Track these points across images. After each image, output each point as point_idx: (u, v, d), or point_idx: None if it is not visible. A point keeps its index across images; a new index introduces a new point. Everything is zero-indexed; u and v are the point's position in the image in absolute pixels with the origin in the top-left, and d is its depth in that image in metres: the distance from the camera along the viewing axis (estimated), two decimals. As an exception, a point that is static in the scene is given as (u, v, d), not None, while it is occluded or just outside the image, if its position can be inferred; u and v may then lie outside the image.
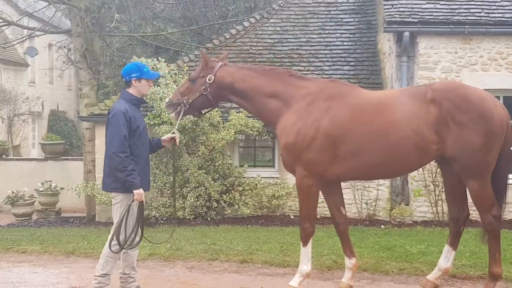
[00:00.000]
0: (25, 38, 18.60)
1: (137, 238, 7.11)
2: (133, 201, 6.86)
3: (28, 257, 9.97)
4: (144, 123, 7.24)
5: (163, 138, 7.55)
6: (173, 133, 7.54)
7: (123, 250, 6.95)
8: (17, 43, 19.53)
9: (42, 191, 16.69)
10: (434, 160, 7.56)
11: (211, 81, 7.59)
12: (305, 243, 7.51)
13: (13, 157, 22.06)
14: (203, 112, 8.15)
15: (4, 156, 19.80)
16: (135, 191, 6.80)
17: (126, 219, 6.83)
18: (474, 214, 11.80)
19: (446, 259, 7.69)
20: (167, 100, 7.96)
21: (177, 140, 7.51)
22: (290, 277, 8.21)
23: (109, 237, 6.97)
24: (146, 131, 7.28)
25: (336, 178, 7.53)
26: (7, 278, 8.57)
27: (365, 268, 8.70)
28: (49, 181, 16.85)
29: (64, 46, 18.93)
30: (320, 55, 15.46)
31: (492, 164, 7.09)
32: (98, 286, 6.96)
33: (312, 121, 7.24)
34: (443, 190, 8.12)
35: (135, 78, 7.10)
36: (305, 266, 7.52)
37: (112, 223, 7.29)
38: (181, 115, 7.65)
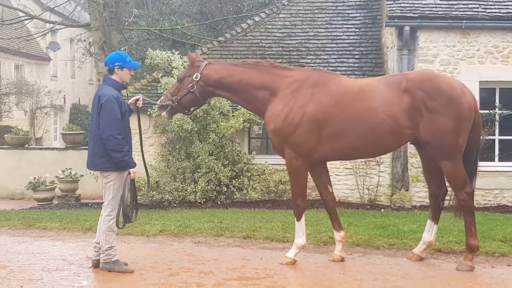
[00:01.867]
0: (46, 31, 19.34)
1: (135, 213, 7.93)
2: (130, 179, 7.59)
3: (48, 233, 10.75)
4: (128, 108, 7.84)
5: (130, 102, 8.06)
6: (138, 95, 8.20)
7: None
8: (39, 36, 20.26)
9: (62, 178, 17.36)
10: (410, 142, 8.28)
11: (197, 79, 8.25)
12: (298, 218, 8.28)
13: (35, 147, 22.83)
14: (191, 110, 8.77)
15: (26, 146, 20.55)
16: (131, 170, 7.58)
17: (123, 196, 7.55)
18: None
19: (429, 233, 8.40)
20: (158, 102, 8.64)
21: (140, 101, 8.06)
22: (288, 251, 8.97)
23: (104, 214, 7.68)
24: (129, 114, 7.90)
25: (321, 159, 8.26)
26: (29, 249, 9.33)
27: (358, 243, 9.39)
28: (69, 168, 17.53)
29: (84, 40, 19.69)
30: (326, 49, 16.05)
31: (462, 145, 7.80)
32: (107, 258, 7.71)
33: (298, 107, 7.92)
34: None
35: (117, 67, 7.76)
36: (300, 239, 8.26)
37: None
38: (169, 112, 8.40)
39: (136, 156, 8.23)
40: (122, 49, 18.00)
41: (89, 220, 11.64)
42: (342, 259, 8.40)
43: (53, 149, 21.29)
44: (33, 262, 8.46)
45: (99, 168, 7.78)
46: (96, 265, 7.93)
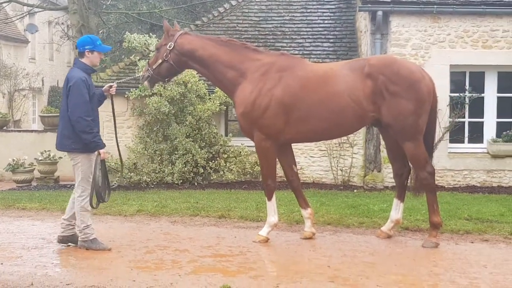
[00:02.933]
0: (25, 14, 19.39)
1: (107, 192, 8.17)
2: (100, 160, 7.80)
3: (28, 213, 10.95)
4: (95, 90, 8.04)
5: (104, 88, 8.30)
6: (113, 82, 8.48)
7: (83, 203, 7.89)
8: (17, 19, 20.30)
9: (41, 160, 17.41)
10: (372, 124, 8.67)
11: (171, 48, 8.41)
12: (270, 198, 8.58)
13: (14, 129, 22.84)
14: (169, 79, 8.97)
15: (5, 128, 20.57)
16: (101, 151, 7.78)
17: (95, 176, 7.78)
18: (440, 180, 12.99)
19: (396, 211, 8.73)
20: (140, 73, 8.96)
21: (114, 89, 8.30)
22: (261, 230, 9.28)
23: (76, 195, 7.91)
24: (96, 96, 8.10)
25: (288, 141, 8.59)
26: (8, 229, 9.54)
27: (329, 222, 9.71)
28: (48, 150, 17.59)
29: (62, 23, 19.75)
30: (302, 33, 16.29)
31: (423, 127, 8.17)
32: (85, 237, 7.96)
33: (266, 90, 8.19)
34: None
35: (88, 50, 7.95)
36: (273, 217, 8.56)
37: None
38: (149, 82, 8.68)
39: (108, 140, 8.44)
40: (100, 32, 18.14)
41: (67, 200, 11.42)
42: (313, 234, 8.72)
43: (31, 131, 21.30)
44: (13, 240, 8.68)
45: (67, 149, 7.95)
46: (61, 240, 8.19)
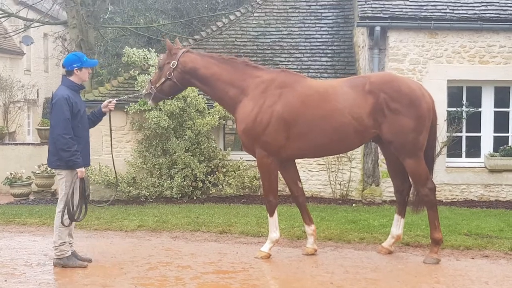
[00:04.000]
0: (24, 29, 19.41)
1: (83, 211, 8.16)
2: (77, 178, 7.82)
3: (28, 228, 10.96)
4: (84, 107, 8.10)
5: (103, 104, 8.37)
6: (112, 99, 8.55)
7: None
8: (16, 34, 20.31)
9: (38, 173, 17.48)
10: (372, 140, 8.75)
11: (174, 66, 8.49)
12: (271, 214, 8.62)
13: (11, 142, 22.86)
14: (173, 96, 9.17)
15: (1, 141, 20.58)
16: (78, 170, 7.79)
17: (72, 194, 7.82)
18: (438, 194, 13.07)
19: (397, 227, 8.79)
20: (143, 91, 8.98)
21: (112, 104, 8.36)
22: (263, 246, 9.29)
23: (57, 210, 7.92)
24: (86, 114, 8.17)
25: (289, 157, 8.65)
26: (10, 245, 9.55)
27: (330, 238, 9.74)
28: (45, 164, 17.60)
29: (60, 36, 19.80)
30: (300, 47, 16.36)
31: (423, 144, 8.27)
32: (60, 254, 7.95)
33: (267, 106, 8.26)
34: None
35: (77, 68, 7.98)
36: (274, 233, 8.59)
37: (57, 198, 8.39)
38: (152, 100, 8.69)
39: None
40: (97, 45, 18.14)
41: (67, 215, 11.83)
42: (315, 251, 8.76)
43: (28, 144, 21.36)
44: (15, 257, 8.69)
45: (52, 166, 8.04)
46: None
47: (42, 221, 11.41)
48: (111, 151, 9.05)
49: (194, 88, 13.56)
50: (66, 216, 7.84)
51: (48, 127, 19.71)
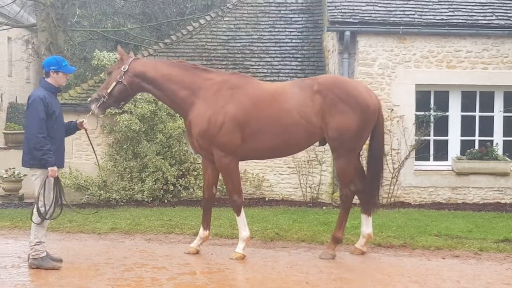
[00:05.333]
0: None
1: (57, 211, 8.17)
2: (47, 177, 7.84)
3: (0, 231, 10.90)
4: (60, 109, 8.18)
5: (78, 121, 8.48)
6: (84, 118, 8.64)
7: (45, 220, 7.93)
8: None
9: (5, 177, 17.28)
10: (319, 144, 8.92)
11: (125, 70, 8.55)
12: (238, 213, 8.72)
13: (-26, 146, 22.54)
14: (122, 104, 9.02)
15: (-33, 145, 20.31)
16: (49, 168, 7.81)
17: (44, 193, 7.84)
18: (407, 197, 13.30)
19: (366, 226, 8.97)
20: (89, 99, 8.94)
21: (85, 124, 8.44)
22: (237, 246, 9.37)
23: (34, 209, 7.93)
24: (62, 116, 8.22)
25: (244, 157, 8.91)
26: (-18, 248, 9.52)
27: (303, 239, 9.85)
28: (13, 168, 17.43)
29: (27, 40, 19.63)
30: (270, 51, 16.46)
31: (361, 146, 8.72)
32: (35, 253, 7.94)
33: (220, 107, 8.44)
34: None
35: (53, 70, 8.10)
36: (244, 232, 8.69)
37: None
38: (100, 107, 8.61)
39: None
40: (65, 49, 18.04)
41: (39, 219, 11.74)
42: (197, 252, 8.93)
43: (-10, 149, 21.13)
44: (-15, 261, 8.64)
45: (26, 165, 8.05)
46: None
47: (13, 224, 11.29)
48: (97, 160, 9.26)
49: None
50: (36, 215, 7.86)
51: (14, 132, 19.72)
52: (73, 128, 8.53)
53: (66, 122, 8.55)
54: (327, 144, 8.80)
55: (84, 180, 14.22)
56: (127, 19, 23.81)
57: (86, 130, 8.55)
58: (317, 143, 8.99)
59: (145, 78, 8.66)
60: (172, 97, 8.72)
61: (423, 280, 7.62)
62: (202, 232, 8.98)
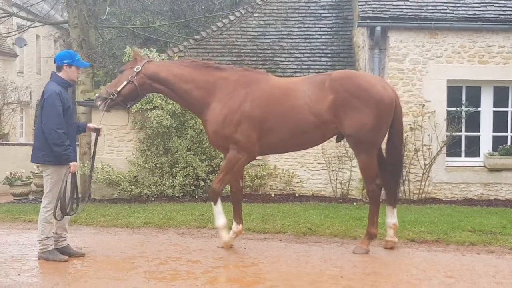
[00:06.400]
0: (25, 29, 19.32)
1: (76, 206, 8.29)
2: (69, 172, 7.91)
3: (34, 225, 10.80)
4: (73, 104, 8.28)
5: (89, 125, 8.62)
6: (99, 124, 8.68)
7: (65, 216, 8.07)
8: (18, 33, 20.13)
9: (37, 173, 17.46)
10: (336, 137, 8.85)
11: (138, 70, 8.63)
12: (215, 202, 8.79)
13: (8, 142, 22.82)
14: (129, 104, 9.06)
15: (-1, 141, 20.55)
16: (71, 164, 7.89)
17: (65, 189, 7.91)
18: (438, 193, 13.21)
19: (391, 217, 8.96)
20: (96, 94, 9.02)
21: (101, 132, 8.67)
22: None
23: (42, 206, 8.08)
24: (74, 111, 8.40)
25: (259, 153, 8.89)
26: (18, 241, 9.62)
27: (336, 234, 9.85)
28: (44, 164, 17.57)
29: (59, 37, 19.78)
30: (300, 47, 16.44)
31: (380, 141, 8.60)
32: (43, 248, 8.10)
33: (236, 106, 8.47)
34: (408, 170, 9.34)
35: (66, 64, 8.12)
36: (221, 220, 8.79)
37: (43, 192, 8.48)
38: (107, 104, 8.62)
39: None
40: (97, 45, 18.12)
41: (72, 213, 11.88)
42: (231, 247, 8.98)
43: (25, 144, 21.28)
44: (25, 252, 8.77)
45: (39, 161, 8.11)
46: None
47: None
48: (92, 160, 8.94)
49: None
50: (51, 212, 7.94)
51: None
52: (81, 129, 8.63)
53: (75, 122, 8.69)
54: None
55: (116, 176, 14.32)
56: (156, 16, 23.85)
57: (98, 135, 8.70)
58: (333, 138, 8.99)
59: (157, 78, 8.73)
60: (185, 97, 8.77)
61: (459, 275, 7.59)
62: (235, 226, 9.04)
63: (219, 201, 8.77)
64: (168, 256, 8.43)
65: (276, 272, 7.72)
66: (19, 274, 7.51)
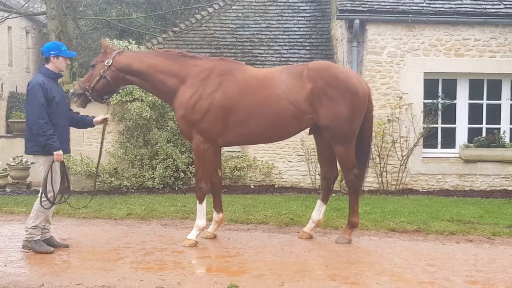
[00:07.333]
0: (3, 20, 19.00)
1: (65, 196, 8.28)
2: (53, 161, 7.91)
3: (16, 217, 10.96)
4: (61, 95, 8.19)
5: (95, 119, 8.56)
6: (106, 114, 8.76)
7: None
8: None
9: (13, 165, 17.35)
10: (309, 129, 8.89)
11: (109, 64, 8.54)
12: (201, 201, 8.76)
13: (-19, 134, 22.61)
14: (105, 98, 9.01)
15: (-28, 134, 20.35)
16: (55, 152, 7.86)
17: (51, 178, 7.93)
18: (415, 184, 13.40)
19: (318, 212, 9.14)
20: (71, 91, 8.93)
21: (107, 121, 8.65)
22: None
23: (39, 194, 8.08)
24: (65, 102, 8.29)
25: (227, 144, 8.99)
26: (1, 232, 9.59)
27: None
28: (20, 156, 17.49)
29: (34, 28, 19.63)
30: (278, 40, 16.55)
31: (356, 131, 8.60)
32: (30, 237, 8.08)
33: (207, 94, 8.43)
34: (385, 160, 9.45)
35: (53, 55, 8.10)
36: (201, 221, 8.77)
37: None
38: (82, 101, 8.61)
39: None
40: (74, 37, 18.08)
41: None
42: (214, 237, 9.06)
43: (0, 136, 21.16)
44: (8, 244, 8.75)
45: (30, 152, 8.14)
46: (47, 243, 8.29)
47: (29, 210, 11.07)
48: (100, 152, 9.00)
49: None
50: (45, 200, 7.95)
51: (20, 120, 19.76)
52: (87, 123, 8.62)
53: (80, 115, 8.66)
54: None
55: (95, 167, 14.27)
56: (132, 8, 23.80)
57: (106, 125, 8.74)
58: (307, 131, 9.02)
59: (130, 70, 8.63)
60: (160, 86, 8.68)
61: (441, 263, 7.74)
62: (216, 216, 9.08)
63: (204, 201, 8.74)
64: (153, 247, 8.47)
65: (261, 262, 7.79)
66: (5, 265, 7.51)
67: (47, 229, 8.35)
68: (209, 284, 6.76)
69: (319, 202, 9.13)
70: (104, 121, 8.62)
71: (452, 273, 7.33)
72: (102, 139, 9.01)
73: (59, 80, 8.65)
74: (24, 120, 19.70)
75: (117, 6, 23.74)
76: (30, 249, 8.05)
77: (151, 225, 10.11)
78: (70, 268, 7.48)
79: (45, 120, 7.79)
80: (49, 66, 8.14)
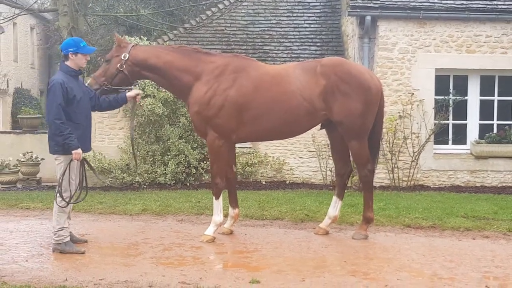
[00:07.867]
0: (15, 16, 18.99)
1: (82, 195, 8.22)
2: (71, 160, 7.88)
3: (33, 212, 11.01)
4: (82, 93, 8.08)
5: (128, 94, 8.54)
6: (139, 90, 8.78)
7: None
8: (4, 22, 19.84)
9: (23, 161, 17.38)
10: (321, 125, 8.93)
11: (126, 58, 8.48)
12: (217, 197, 8.79)
13: (-9, 130, 22.64)
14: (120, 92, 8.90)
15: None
16: (73, 151, 7.81)
17: (69, 177, 7.89)
18: (426, 180, 13.42)
19: (334, 208, 9.17)
20: (86, 84, 8.77)
21: (139, 97, 8.69)
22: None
23: (55, 193, 8.02)
24: (87, 99, 8.18)
25: (241, 140, 9.02)
26: (19, 228, 9.65)
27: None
28: (30, 152, 17.53)
29: (44, 25, 19.64)
30: (289, 36, 16.58)
31: (369, 127, 8.67)
32: (59, 239, 7.98)
33: (221, 90, 8.46)
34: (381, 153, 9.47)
35: (71, 52, 8.00)
36: (218, 216, 8.79)
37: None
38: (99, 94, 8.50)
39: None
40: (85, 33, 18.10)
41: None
42: (231, 232, 9.11)
43: (9, 132, 21.15)
44: (27, 240, 8.80)
45: (52, 151, 8.06)
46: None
47: (45, 206, 11.39)
48: (132, 145, 9.55)
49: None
50: (59, 198, 7.90)
51: (30, 116, 19.81)
52: (120, 100, 8.59)
53: (111, 96, 8.57)
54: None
55: (108, 164, 14.35)
56: (139, 4, 23.79)
57: (136, 101, 8.79)
58: (318, 127, 9.05)
59: (146, 65, 8.61)
60: (175, 83, 8.69)
61: (459, 259, 7.76)
62: (232, 211, 9.13)
63: (221, 196, 8.78)
64: (171, 242, 8.52)
65: (280, 257, 7.82)
66: (26, 261, 7.57)
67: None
68: (231, 280, 6.80)
69: (334, 198, 9.17)
70: (137, 96, 8.63)
71: (471, 269, 7.36)
72: (132, 118, 9.42)
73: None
74: (33, 116, 20.07)
75: (125, 2, 23.74)
76: (61, 252, 7.93)
77: (167, 221, 10.16)
78: (92, 263, 7.51)
79: (62, 121, 7.75)
80: (68, 63, 8.05)
